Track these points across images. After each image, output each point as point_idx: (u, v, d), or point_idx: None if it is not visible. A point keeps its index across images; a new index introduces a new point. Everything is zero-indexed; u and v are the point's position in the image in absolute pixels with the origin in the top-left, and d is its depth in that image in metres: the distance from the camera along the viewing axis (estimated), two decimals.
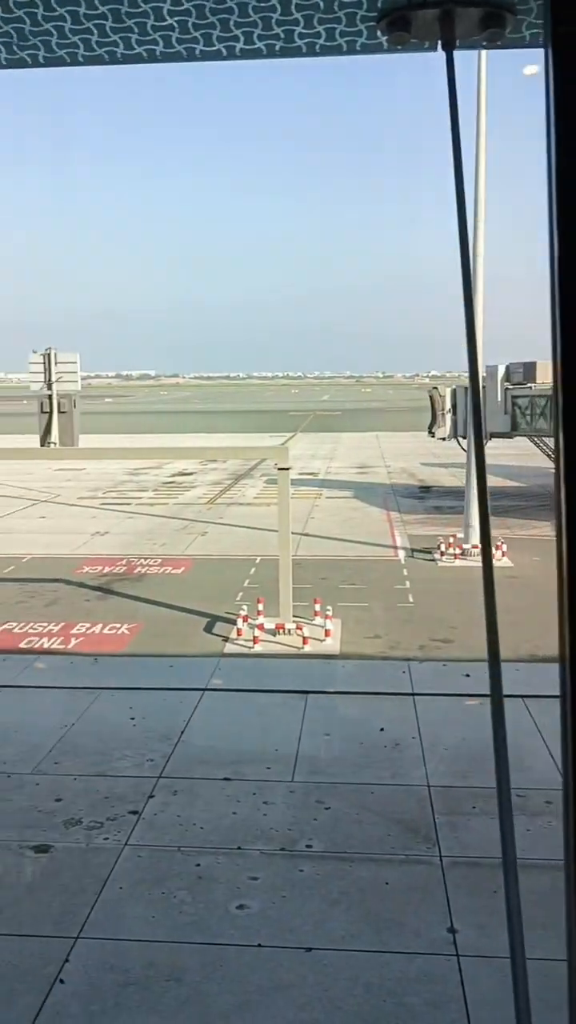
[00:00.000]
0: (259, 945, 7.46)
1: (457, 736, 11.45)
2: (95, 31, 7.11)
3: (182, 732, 11.73)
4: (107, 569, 25.17)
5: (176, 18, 6.44)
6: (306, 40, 6.85)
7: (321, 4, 6.36)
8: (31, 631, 18.60)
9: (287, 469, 19.20)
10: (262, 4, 6.38)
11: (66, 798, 10.01)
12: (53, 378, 32.79)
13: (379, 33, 7.04)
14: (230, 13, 6.59)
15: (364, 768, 10.58)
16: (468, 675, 13.73)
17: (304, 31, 6.72)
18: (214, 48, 6.98)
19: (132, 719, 12.22)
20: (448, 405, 31.26)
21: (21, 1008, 6.79)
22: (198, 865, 8.65)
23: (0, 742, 11.55)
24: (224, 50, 6.87)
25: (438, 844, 8.91)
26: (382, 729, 11.69)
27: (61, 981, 7.09)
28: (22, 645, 17.55)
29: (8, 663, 15.31)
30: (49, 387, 32.80)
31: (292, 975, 7.10)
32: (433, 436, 32.65)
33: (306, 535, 29.46)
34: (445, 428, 32.00)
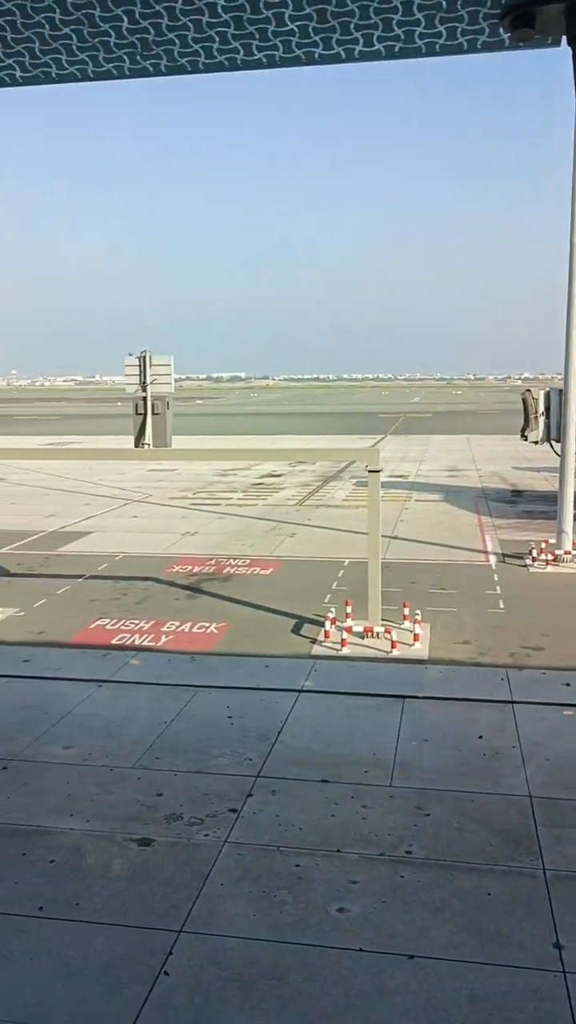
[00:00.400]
0: (360, 949, 7.44)
1: (559, 747, 11.20)
2: (216, 39, 7.07)
3: (279, 732, 11.80)
4: (196, 569, 25.47)
5: (297, 23, 6.44)
6: (426, 40, 6.77)
7: (444, 3, 6.27)
8: (123, 627, 18.97)
9: (377, 471, 19.08)
10: (384, 5, 6.33)
11: (167, 793, 10.19)
12: (148, 380, 33.48)
13: (501, 30, 6.88)
14: (351, 16, 6.57)
15: (463, 776, 10.45)
16: (568, 684, 13.42)
17: (425, 31, 6.64)
18: (333, 51, 6.96)
19: (229, 718, 12.37)
20: (541, 408, 30.53)
21: (128, 997, 6.95)
22: (298, 866, 8.69)
23: (103, 736, 11.84)
24: (343, 53, 6.85)
25: (541, 857, 8.73)
26: (480, 736, 11.52)
27: (166, 973, 7.22)
28: (114, 641, 17.92)
29: (108, 659, 15.68)
30: (144, 389, 33.50)
31: (395, 981, 7.06)
32: (526, 439, 31.96)
33: (395, 538, 29.24)
34: (538, 431, 31.28)
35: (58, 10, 5.90)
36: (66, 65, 7.53)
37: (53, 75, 7.33)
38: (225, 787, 10.29)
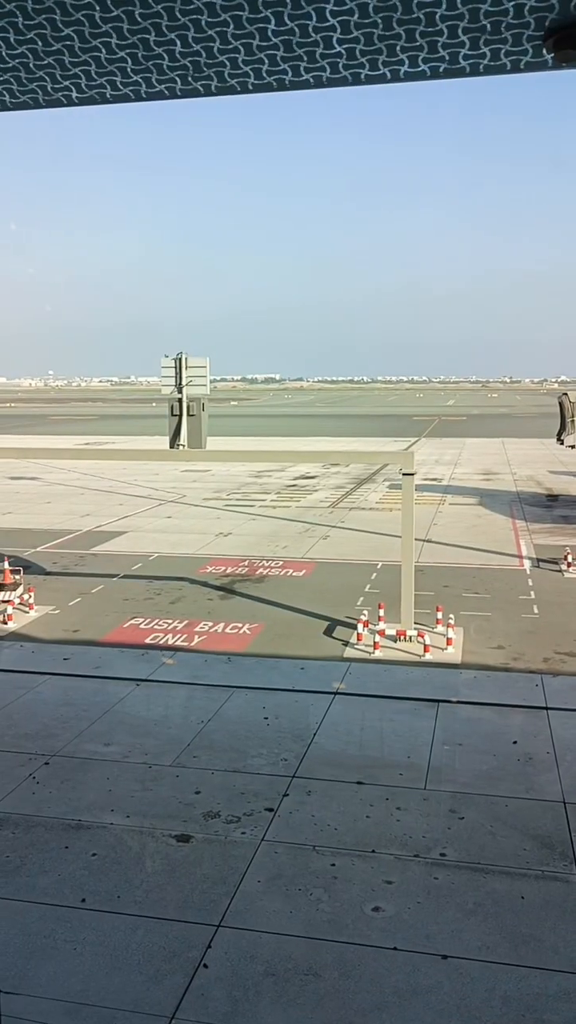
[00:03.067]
0: (395, 948, 7.59)
1: None
2: (267, 59, 7.32)
3: (314, 734, 11.97)
4: (230, 569, 25.66)
5: (344, 46, 6.65)
6: (470, 61, 6.94)
7: (488, 25, 6.43)
8: (157, 627, 19.19)
9: (412, 474, 19.13)
10: (429, 29, 6.52)
11: (205, 791, 10.40)
12: (183, 382, 33.78)
13: (545, 51, 7.02)
14: (397, 39, 6.76)
15: (498, 780, 10.54)
16: None
17: (469, 52, 6.81)
18: (379, 72, 7.16)
19: (266, 718, 12.55)
20: None
21: (169, 987, 7.15)
22: (333, 865, 8.85)
23: (142, 734, 12.08)
24: (388, 73, 7.05)
25: (575, 862, 8.80)
26: (515, 742, 11.59)
27: (205, 966, 7.41)
28: (148, 640, 18.13)
29: (146, 658, 15.94)
30: (179, 391, 33.80)
31: (429, 980, 7.20)
32: (562, 443, 31.87)
33: (429, 541, 29.24)
34: (575, 435, 31.18)
35: (114, 35, 6.20)
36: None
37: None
38: (262, 786, 10.48)
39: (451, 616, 18.94)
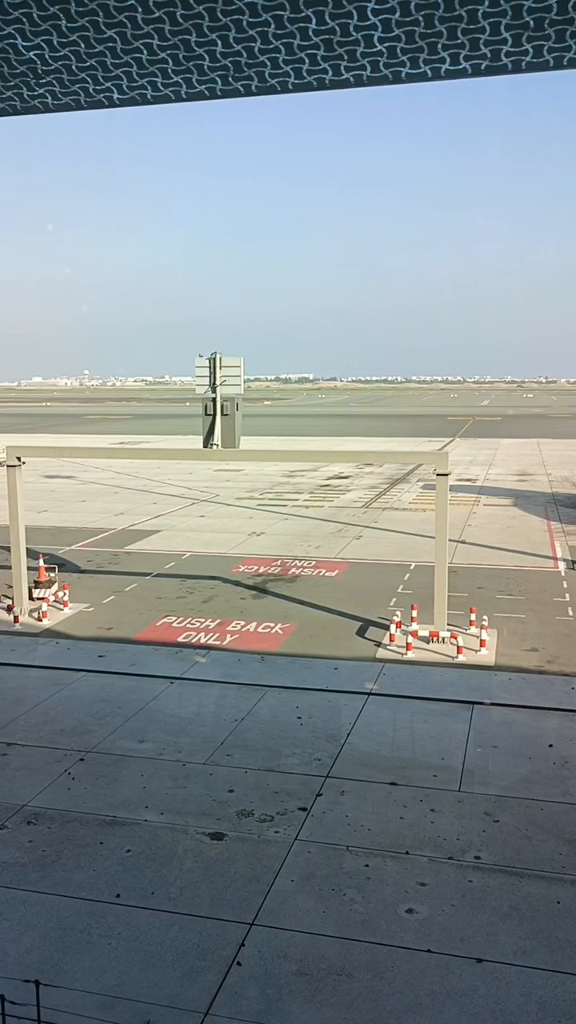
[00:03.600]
0: (429, 951, 7.55)
1: None
2: (307, 58, 7.25)
3: (348, 734, 11.95)
4: (262, 569, 25.69)
5: (386, 44, 6.62)
6: (513, 58, 6.88)
7: (531, 22, 6.37)
8: (189, 625, 19.25)
9: (446, 475, 19.01)
10: (471, 26, 6.47)
11: (238, 790, 10.43)
12: (218, 381, 33.88)
13: None
14: (439, 36, 6.71)
15: (533, 784, 10.44)
16: None
17: (512, 49, 6.75)
18: (420, 70, 7.12)
19: (299, 718, 12.56)
20: None
21: (203, 985, 7.18)
22: (367, 865, 8.83)
23: (176, 732, 12.15)
24: (429, 72, 7.01)
25: None
26: (551, 745, 11.48)
27: (238, 964, 7.43)
28: (180, 639, 18.19)
29: (180, 656, 16.02)
30: (214, 390, 33.91)
31: (463, 984, 7.15)
32: None
33: (463, 542, 29.06)
34: None
35: (156, 36, 6.26)
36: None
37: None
38: (295, 786, 10.49)
39: (485, 618, 18.80)
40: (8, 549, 20.60)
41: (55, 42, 6.07)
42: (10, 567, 20.09)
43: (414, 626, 18.30)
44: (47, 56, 6.33)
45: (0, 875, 8.76)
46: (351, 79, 6.69)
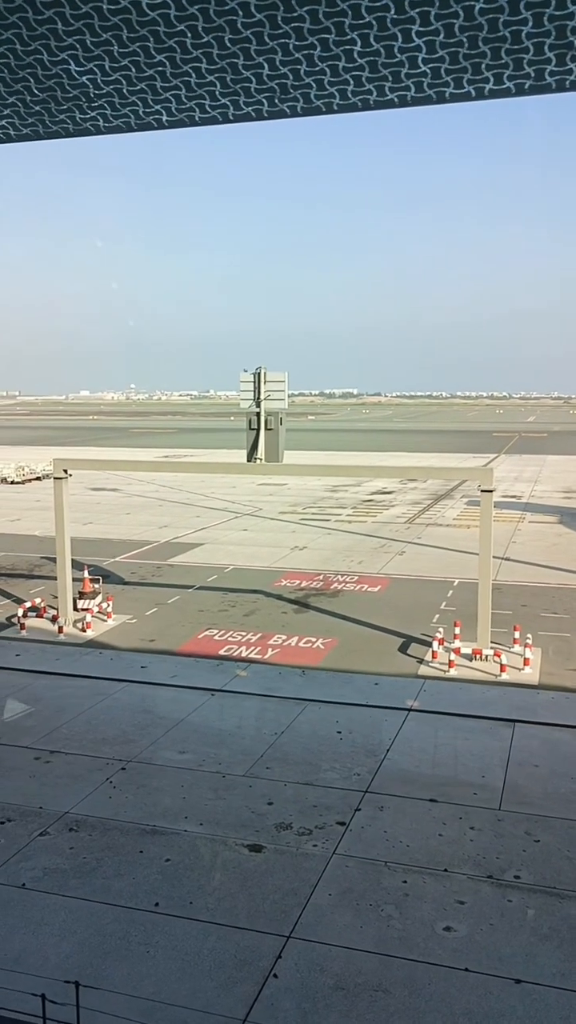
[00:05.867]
0: (467, 970, 7.49)
1: None
2: (351, 82, 7.29)
3: (388, 750, 11.91)
4: (304, 583, 25.72)
5: (429, 65, 6.68)
6: (556, 77, 6.92)
7: (531, 47, 6.42)
8: (231, 639, 19.32)
9: (490, 491, 18.89)
10: (515, 46, 6.53)
11: (277, 802, 10.46)
12: (262, 396, 34.11)
13: None
14: (482, 57, 6.78)
15: (575, 804, 10.31)
16: None
17: (556, 68, 6.79)
18: (463, 90, 7.20)
19: (339, 733, 12.55)
20: None
21: (239, 996, 7.21)
22: (404, 882, 8.79)
23: (215, 744, 12.22)
24: (473, 91, 7.09)
25: None
26: None
27: (275, 976, 7.45)
28: (222, 652, 18.26)
29: (221, 669, 16.11)
30: (258, 405, 34.14)
31: (501, 1004, 7.08)
32: None
33: (507, 559, 28.79)
34: None
35: (204, 60, 6.41)
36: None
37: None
38: (334, 800, 10.48)
39: (529, 636, 18.60)
40: (54, 560, 20.92)
41: (107, 67, 6.26)
42: (55, 578, 20.41)
43: (457, 643, 18.18)
44: (99, 80, 6.52)
45: (42, 880, 8.89)
46: (395, 99, 6.78)
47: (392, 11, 5.30)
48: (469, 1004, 7.08)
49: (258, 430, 35.26)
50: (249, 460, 34.82)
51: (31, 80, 6.46)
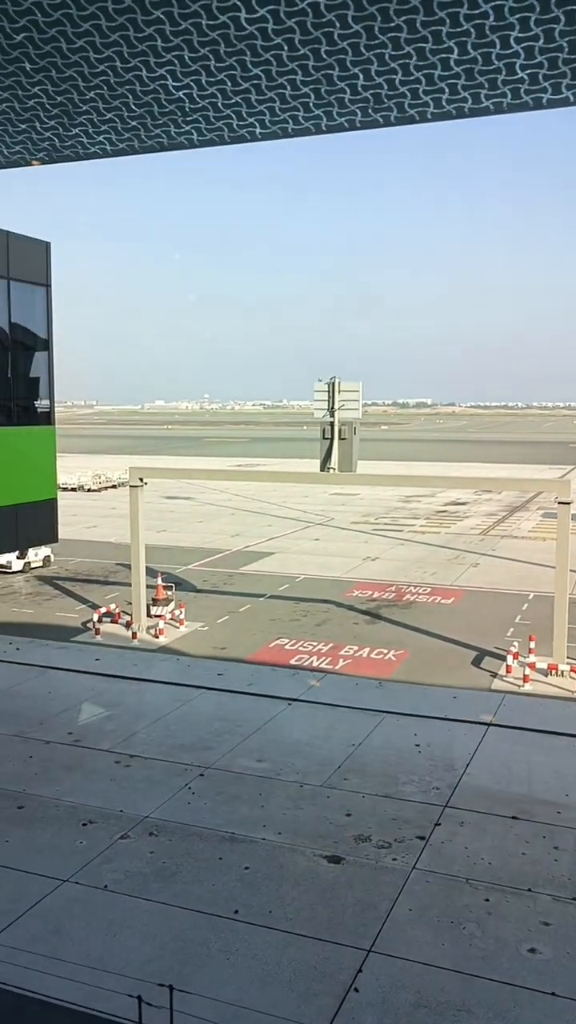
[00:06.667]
0: (553, 994, 7.30)
1: None
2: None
3: (467, 764, 11.73)
4: (376, 594, 25.56)
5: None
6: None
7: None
8: (302, 648, 19.29)
9: (568, 503, 18.54)
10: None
11: (355, 814, 10.39)
12: (336, 406, 34.11)
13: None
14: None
15: None
16: None
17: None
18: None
19: (417, 745, 12.42)
20: None
21: (319, 1007, 7.17)
22: (487, 900, 8.62)
23: (293, 753, 12.22)
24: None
25: None
26: None
27: (356, 990, 7.38)
28: (292, 661, 18.23)
29: (297, 678, 16.11)
30: (332, 414, 34.15)
31: None
32: None
33: None
34: None
35: (299, 72, 6.47)
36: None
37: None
38: (413, 814, 10.36)
39: None
40: (129, 567, 21.25)
41: (204, 81, 6.35)
42: (130, 584, 20.72)
43: (532, 658, 17.83)
44: (195, 95, 6.63)
45: (123, 883, 9.00)
46: (491, 107, 6.73)
47: (517, 28, 5.32)
48: None
49: (332, 440, 35.20)
50: (322, 469, 34.80)
51: (129, 96, 6.61)
